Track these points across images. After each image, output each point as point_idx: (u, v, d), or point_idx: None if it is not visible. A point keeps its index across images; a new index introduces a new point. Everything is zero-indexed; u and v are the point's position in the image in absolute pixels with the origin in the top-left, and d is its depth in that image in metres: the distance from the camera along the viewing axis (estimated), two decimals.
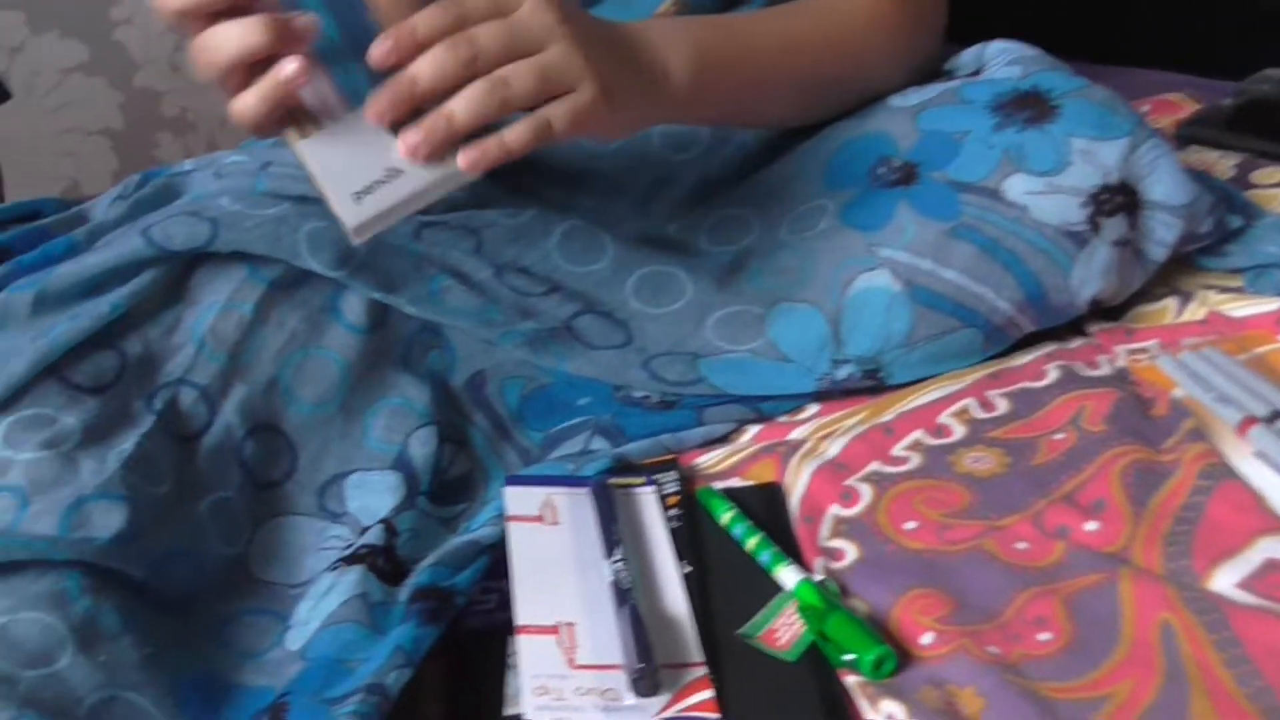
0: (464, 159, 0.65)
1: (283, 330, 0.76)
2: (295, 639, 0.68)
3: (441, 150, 0.64)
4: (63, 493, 0.64)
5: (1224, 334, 0.82)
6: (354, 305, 0.78)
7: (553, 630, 0.61)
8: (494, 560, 0.68)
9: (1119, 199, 0.79)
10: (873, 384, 0.81)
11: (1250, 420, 0.70)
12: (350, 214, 0.62)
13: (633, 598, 0.62)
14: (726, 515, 0.71)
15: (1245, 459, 0.69)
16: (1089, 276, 0.80)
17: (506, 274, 0.81)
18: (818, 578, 0.66)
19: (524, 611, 0.62)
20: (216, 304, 0.74)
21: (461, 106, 0.64)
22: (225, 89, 0.66)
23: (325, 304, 0.77)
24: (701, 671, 0.60)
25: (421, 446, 0.76)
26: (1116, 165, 0.79)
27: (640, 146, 0.90)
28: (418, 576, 0.66)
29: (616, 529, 0.67)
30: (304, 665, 0.64)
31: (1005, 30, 1.09)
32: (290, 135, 0.65)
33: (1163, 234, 0.82)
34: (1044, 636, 0.61)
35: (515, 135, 0.66)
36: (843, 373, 0.80)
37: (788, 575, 0.66)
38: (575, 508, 0.70)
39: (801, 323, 0.80)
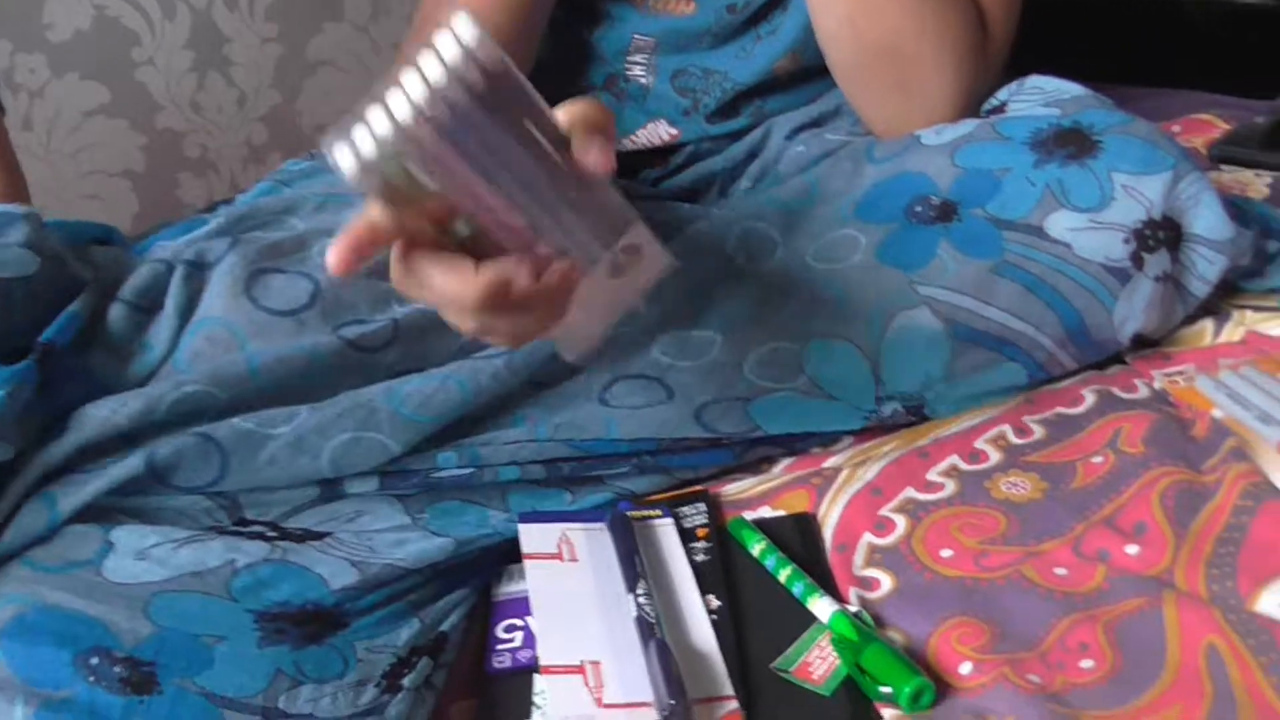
0: None
1: None
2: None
3: None
4: None
5: (1263, 353, 0.80)
6: None
7: (578, 669, 0.59)
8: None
9: (1162, 234, 0.78)
10: (916, 419, 0.79)
11: None
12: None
13: (659, 632, 0.60)
14: (758, 546, 0.69)
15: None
16: (1132, 313, 0.79)
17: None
18: (853, 609, 0.64)
19: (547, 651, 0.61)
20: None
21: None
22: None
23: None
24: (733, 706, 0.58)
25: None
26: (1160, 200, 0.78)
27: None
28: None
29: (638, 562, 0.65)
30: (156, 630, 0.60)
31: (1036, 54, 1.08)
32: None
33: (1204, 269, 0.80)
34: (1087, 664, 0.58)
35: None
36: (888, 409, 0.78)
37: (822, 607, 0.64)
38: (593, 543, 0.68)
39: (842, 361, 0.78)
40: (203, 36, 1.62)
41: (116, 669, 0.57)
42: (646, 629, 0.61)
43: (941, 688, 0.59)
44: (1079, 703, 0.56)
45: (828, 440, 0.80)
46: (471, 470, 0.71)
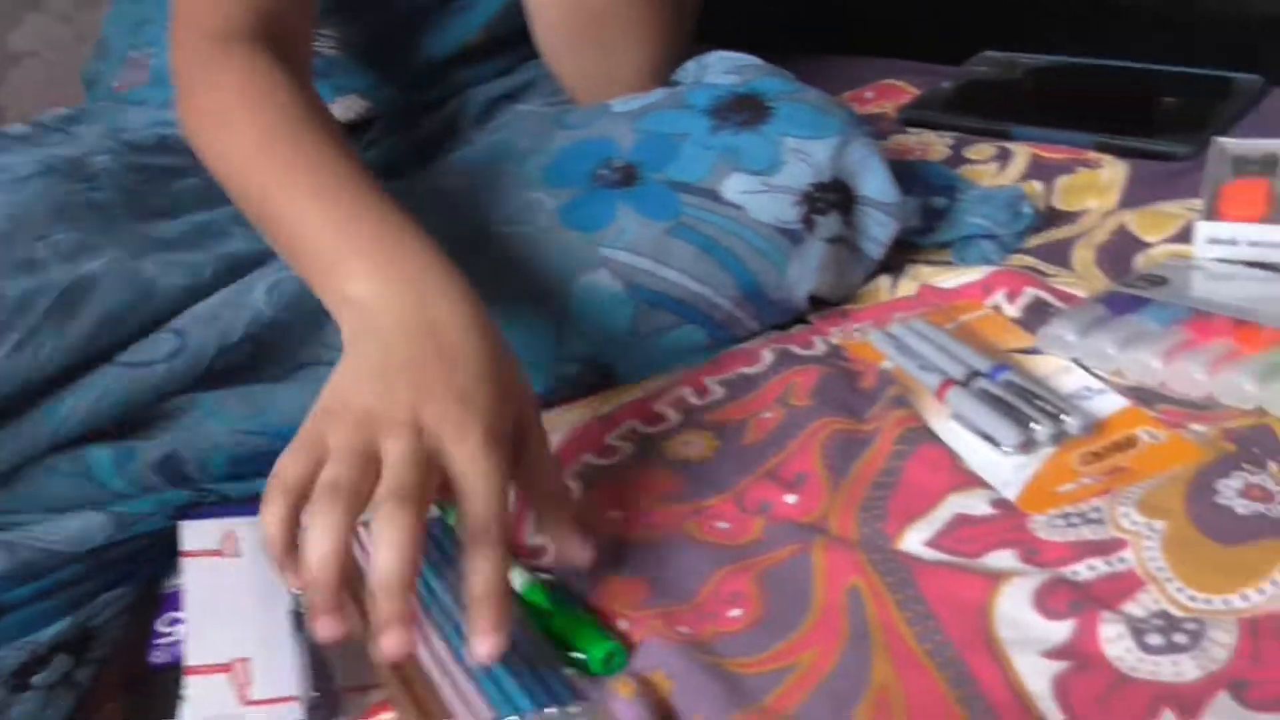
0: None
1: None
2: None
3: None
4: None
5: (934, 305, 0.83)
6: None
7: (226, 668, 0.58)
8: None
9: (832, 196, 0.80)
10: (603, 380, 0.80)
11: (948, 383, 0.71)
12: None
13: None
14: (455, 521, 0.68)
15: (944, 421, 0.69)
16: (804, 274, 0.81)
17: None
18: (546, 577, 0.64)
19: (195, 651, 0.59)
20: None
21: None
22: None
23: None
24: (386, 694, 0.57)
25: None
26: (827, 163, 0.80)
27: None
28: None
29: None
30: None
31: (731, 28, 1.10)
32: None
33: (877, 231, 0.83)
34: (735, 613, 0.59)
35: None
36: (572, 369, 0.78)
37: (515, 578, 0.63)
38: (257, 537, 0.66)
39: (524, 321, 0.78)
40: None
41: None
42: (299, 620, 0.59)
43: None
44: (724, 650, 0.57)
45: None
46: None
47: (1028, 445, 0.66)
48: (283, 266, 0.74)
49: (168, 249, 0.75)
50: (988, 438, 0.67)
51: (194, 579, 0.63)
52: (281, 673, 0.57)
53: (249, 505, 0.69)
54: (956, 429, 0.69)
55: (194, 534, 0.66)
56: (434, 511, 0.68)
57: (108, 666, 0.63)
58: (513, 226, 0.81)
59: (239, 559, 0.65)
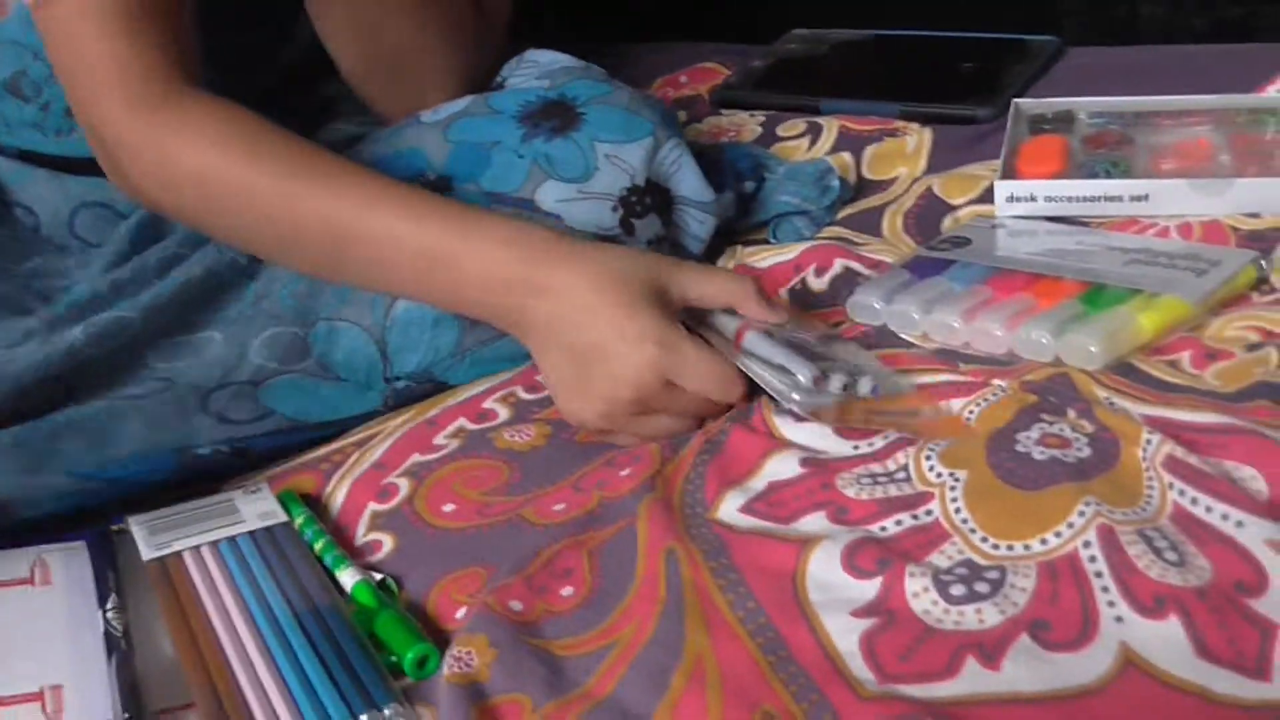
0: None
1: None
2: None
3: None
4: None
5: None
6: None
7: (36, 697, 0.56)
8: None
9: (649, 199, 0.80)
10: (435, 390, 0.79)
11: (744, 327, 0.71)
12: None
13: (124, 646, 0.58)
14: (300, 518, 0.68)
15: (742, 360, 0.70)
16: None
17: None
18: (378, 577, 0.63)
19: (4, 682, 0.57)
20: None
21: None
22: None
23: None
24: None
25: None
26: (641, 166, 0.80)
27: None
28: None
29: (114, 577, 0.62)
30: None
31: (553, 18, 1.10)
32: None
33: (696, 229, 0.84)
34: (567, 591, 0.60)
35: None
36: (401, 385, 0.78)
37: (347, 576, 0.63)
38: (70, 563, 0.65)
39: (347, 344, 0.77)
40: None
41: None
42: (111, 644, 0.58)
43: (439, 639, 0.59)
44: (553, 632, 0.57)
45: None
46: None
47: (822, 381, 0.67)
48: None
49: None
50: (783, 370, 0.68)
51: (2, 610, 0.61)
52: (94, 698, 0.56)
53: (60, 534, 0.68)
54: (752, 365, 0.69)
55: (3, 564, 0.64)
56: (279, 517, 0.67)
57: None
58: None
59: (50, 587, 0.63)
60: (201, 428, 0.73)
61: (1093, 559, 0.54)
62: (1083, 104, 0.94)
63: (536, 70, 0.89)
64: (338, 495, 0.71)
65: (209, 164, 0.72)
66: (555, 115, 0.82)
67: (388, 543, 0.67)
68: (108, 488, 0.71)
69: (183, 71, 0.74)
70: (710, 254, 0.87)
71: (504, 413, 0.76)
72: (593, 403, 0.68)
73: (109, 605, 0.61)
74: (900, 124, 0.99)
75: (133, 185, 0.75)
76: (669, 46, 1.22)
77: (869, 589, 0.55)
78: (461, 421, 0.76)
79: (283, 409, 0.76)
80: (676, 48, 1.22)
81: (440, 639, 0.59)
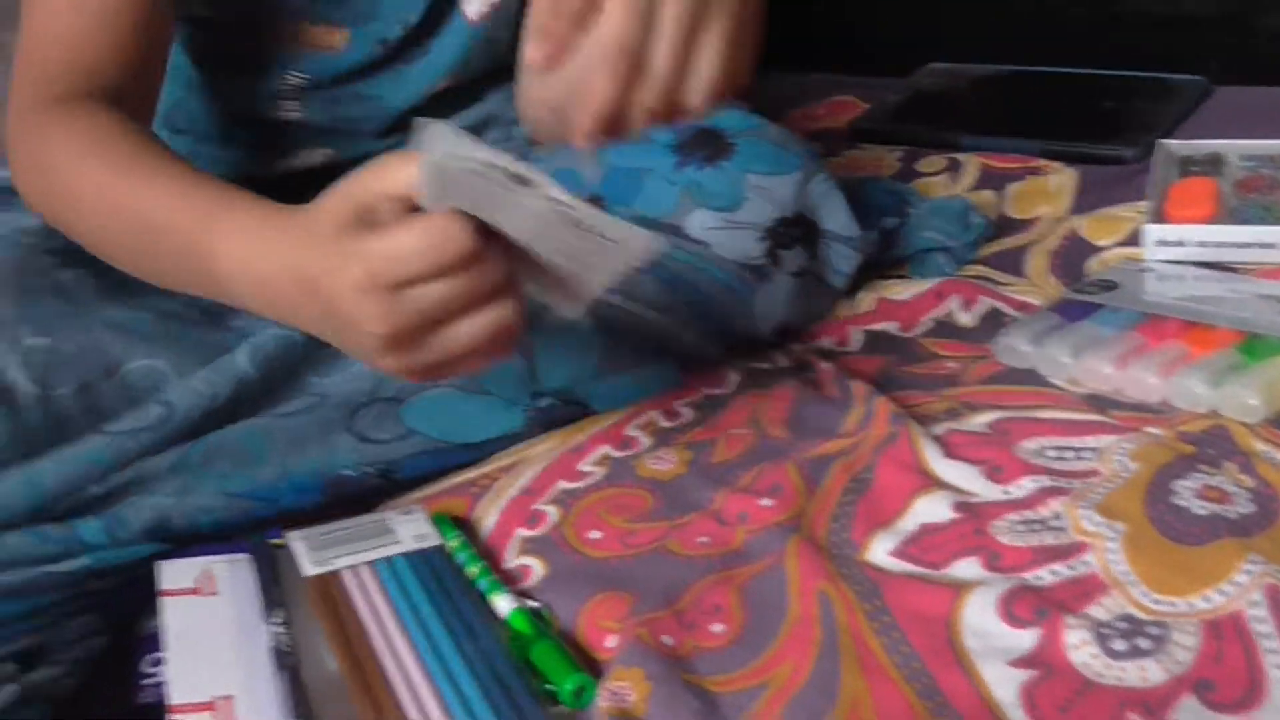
0: None
1: None
2: None
3: None
4: None
5: (894, 318, 0.84)
6: None
7: (208, 706, 0.58)
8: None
9: (796, 231, 0.81)
10: (577, 413, 0.80)
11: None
12: None
13: (293, 661, 0.60)
14: (454, 541, 0.69)
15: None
16: (772, 308, 0.82)
17: None
18: (533, 604, 0.65)
19: (178, 690, 0.59)
20: None
21: None
22: None
23: None
24: None
25: None
26: (790, 199, 0.81)
27: None
28: None
29: (278, 591, 0.64)
30: None
31: None
32: None
33: (840, 264, 0.84)
34: (717, 628, 0.60)
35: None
36: (544, 403, 0.79)
37: (502, 603, 0.64)
38: (235, 575, 0.67)
39: None
40: None
41: None
42: (280, 658, 0.60)
43: (590, 665, 0.59)
44: (705, 668, 0.58)
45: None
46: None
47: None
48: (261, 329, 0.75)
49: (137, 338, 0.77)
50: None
51: (173, 618, 0.64)
52: (264, 710, 0.58)
53: (225, 545, 0.70)
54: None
55: (172, 573, 0.67)
56: (433, 539, 0.69)
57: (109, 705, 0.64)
58: None
59: (216, 597, 0.65)
60: (343, 448, 0.75)
61: (1261, 620, 0.53)
62: (1233, 146, 0.93)
63: None
64: (487, 519, 0.73)
65: (52, 165, 0.75)
66: (707, 145, 0.83)
67: (538, 568, 0.68)
68: (261, 507, 0.73)
69: (70, 91, 0.76)
70: (850, 287, 0.88)
71: (645, 440, 0.77)
72: (372, 357, 0.61)
73: (275, 619, 0.62)
74: (1043, 162, 0.98)
75: (17, 188, 0.78)
76: (803, 77, 1.23)
77: (1026, 639, 0.55)
78: (605, 449, 0.77)
79: (425, 429, 0.77)
80: (810, 79, 1.22)
81: (591, 665, 0.60)
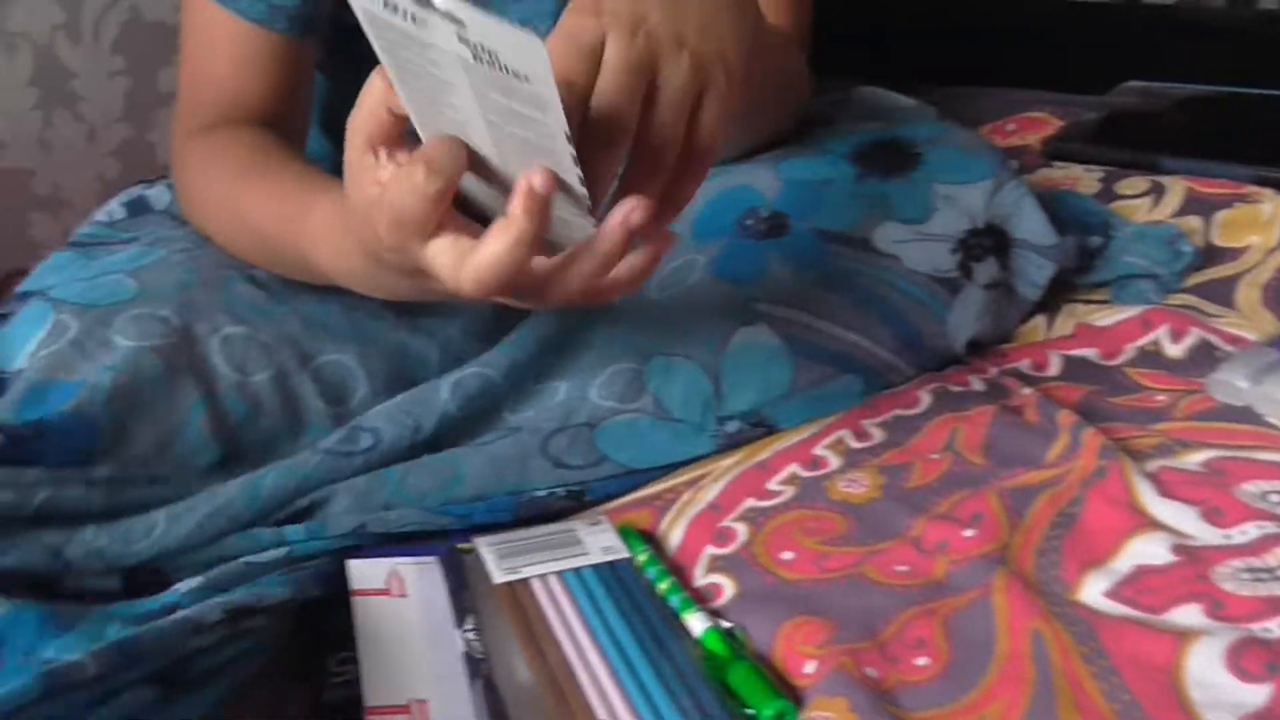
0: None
1: None
2: None
3: None
4: None
5: (1093, 344, 0.81)
6: None
7: (404, 709, 0.58)
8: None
9: (988, 242, 0.79)
10: (764, 433, 0.79)
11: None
12: None
13: (486, 668, 0.59)
14: (643, 556, 0.69)
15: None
16: (965, 321, 0.80)
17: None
18: (726, 625, 0.63)
19: (373, 691, 0.59)
20: None
21: None
22: None
23: None
24: None
25: None
26: (981, 208, 0.79)
27: None
28: None
29: (468, 596, 0.64)
30: None
31: (869, 56, 1.09)
32: None
33: (1034, 274, 0.82)
34: (921, 661, 0.58)
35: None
36: (732, 427, 0.77)
37: (695, 622, 0.63)
38: (424, 578, 0.67)
39: (683, 379, 0.77)
40: (46, 73, 1.58)
41: None
42: (474, 665, 0.60)
43: (788, 690, 0.58)
44: (911, 703, 0.56)
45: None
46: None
47: None
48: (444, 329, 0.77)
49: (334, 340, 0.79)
50: None
51: (365, 619, 0.64)
52: (460, 715, 0.58)
53: (414, 545, 0.70)
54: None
55: (361, 573, 0.67)
56: (621, 552, 0.68)
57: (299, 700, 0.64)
58: (668, 291, 0.80)
59: (406, 599, 0.66)
60: (538, 471, 0.75)
61: None
62: None
63: (865, 109, 0.88)
64: (673, 534, 0.72)
65: (193, 181, 0.82)
66: (891, 156, 0.81)
67: (728, 588, 0.66)
68: (455, 522, 0.73)
69: (215, 121, 0.82)
70: (1047, 309, 0.85)
71: (835, 461, 0.75)
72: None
73: (468, 625, 0.62)
74: (1253, 189, 0.94)
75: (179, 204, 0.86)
76: (994, 92, 1.20)
77: (1259, 694, 0.52)
78: (794, 468, 0.75)
79: (617, 455, 0.76)
80: (1002, 94, 1.19)
81: (789, 690, 0.58)
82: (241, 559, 0.68)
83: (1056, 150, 1.07)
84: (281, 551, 0.68)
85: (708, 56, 0.55)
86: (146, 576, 0.67)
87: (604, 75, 0.52)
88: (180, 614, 0.62)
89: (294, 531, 0.70)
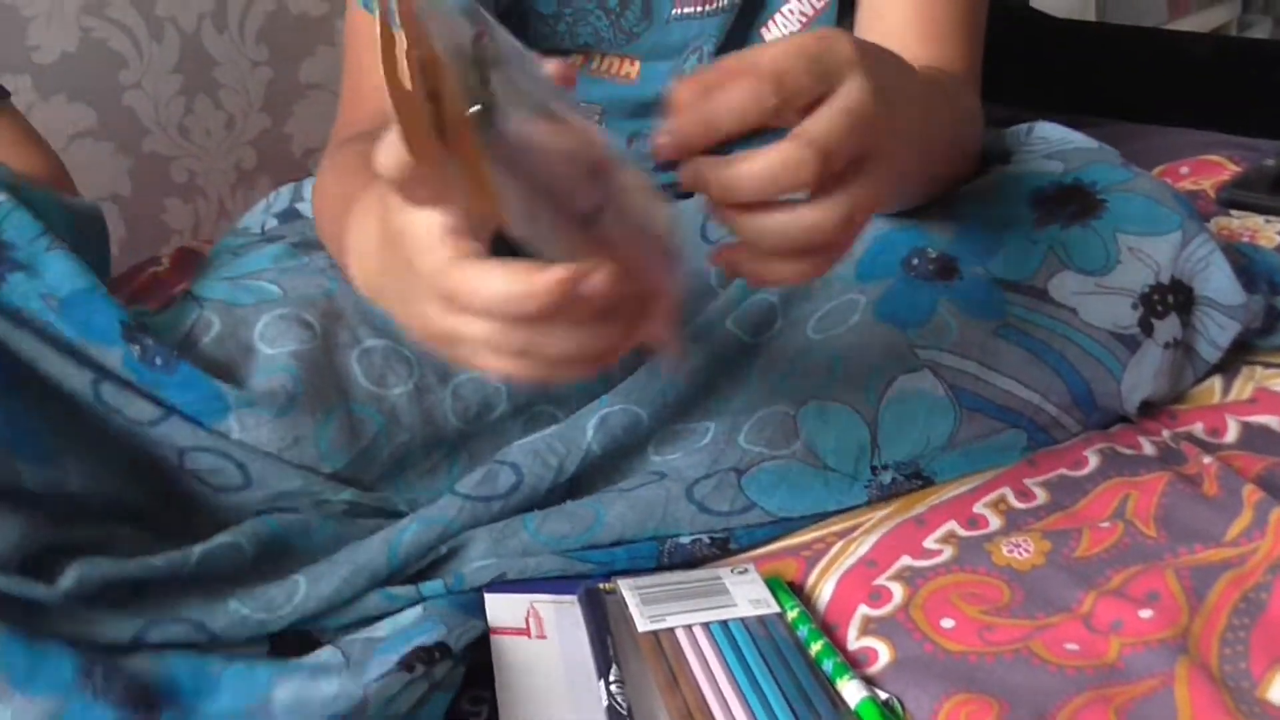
0: None
1: None
2: None
3: None
4: None
5: (1274, 411, 0.76)
6: None
7: None
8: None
9: (1171, 298, 0.74)
10: (919, 485, 0.75)
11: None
12: None
13: None
14: (793, 611, 0.66)
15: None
16: (1140, 381, 0.75)
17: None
18: (883, 695, 0.60)
19: None
20: None
21: None
22: None
23: None
24: None
25: None
26: (1168, 263, 0.74)
27: None
28: None
29: (610, 644, 0.62)
30: None
31: (1044, 89, 1.05)
32: None
33: (1216, 334, 0.77)
34: None
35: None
36: (886, 478, 0.74)
37: (851, 690, 0.60)
38: (563, 618, 0.64)
39: (838, 424, 0.74)
40: (191, 60, 1.59)
41: None
42: (616, 717, 0.57)
43: None
44: None
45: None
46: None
47: None
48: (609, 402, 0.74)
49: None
50: None
51: (503, 660, 0.62)
52: None
53: (553, 582, 0.68)
54: None
55: (499, 609, 0.65)
56: (771, 605, 0.65)
57: None
58: (826, 332, 0.76)
59: (546, 641, 0.63)
60: (683, 517, 0.72)
61: None
62: None
63: (1046, 148, 0.83)
64: (823, 589, 0.68)
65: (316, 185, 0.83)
66: (1073, 201, 0.76)
67: (884, 653, 0.63)
68: (596, 569, 0.71)
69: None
70: (1224, 371, 0.80)
71: (995, 521, 0.71)
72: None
73: (612, 677, 0.59)
74: None
75: None
76: (1169, 131, 1.14)
77: None
78: (952, 525, 0.71)
79: (765, 503, 0.73)
80: (1177, 134, 1.14)
81: None
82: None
83: (1234, 198, 1.01)
84: (419, 608, 0.66)
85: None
86: (293, 639, 0.66)
87: (830, 109, 0.52)
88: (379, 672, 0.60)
89: (431, 588, 0.68)
